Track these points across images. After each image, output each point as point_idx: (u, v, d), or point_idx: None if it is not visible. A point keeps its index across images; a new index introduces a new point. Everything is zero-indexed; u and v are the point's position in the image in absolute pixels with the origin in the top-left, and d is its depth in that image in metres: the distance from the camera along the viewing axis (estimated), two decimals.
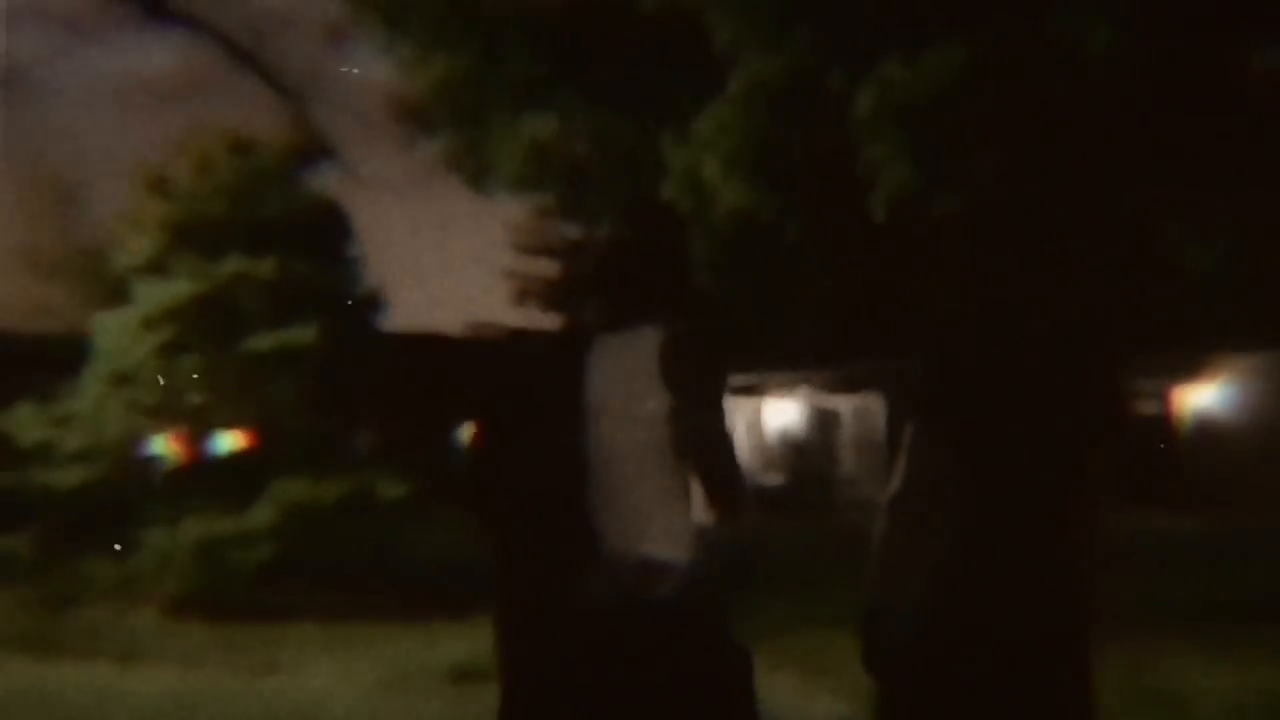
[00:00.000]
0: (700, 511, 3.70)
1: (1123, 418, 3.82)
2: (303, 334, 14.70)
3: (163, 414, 14.94)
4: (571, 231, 28.23)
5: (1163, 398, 25.93)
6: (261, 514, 13.75)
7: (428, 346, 29.94)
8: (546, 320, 35.49)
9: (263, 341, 14.66)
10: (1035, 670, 3.59)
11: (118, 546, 13.85)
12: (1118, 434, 3.76)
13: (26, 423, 14.56)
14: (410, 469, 14.79)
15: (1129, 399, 3.91)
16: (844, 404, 30.74)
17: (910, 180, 12.19)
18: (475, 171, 17.38)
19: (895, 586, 3.65)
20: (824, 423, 31.21)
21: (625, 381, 3.61)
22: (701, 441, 3.70)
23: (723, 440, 3.78)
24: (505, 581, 3.82)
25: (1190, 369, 25.27)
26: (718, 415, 3.75)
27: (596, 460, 3.59)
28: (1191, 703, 7.89)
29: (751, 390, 30.78)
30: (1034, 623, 3.59)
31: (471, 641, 10.78)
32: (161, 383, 14.72)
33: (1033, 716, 3.60)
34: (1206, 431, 25.35)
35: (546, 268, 36.37)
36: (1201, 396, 25.68)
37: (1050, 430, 3.68)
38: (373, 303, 16.62)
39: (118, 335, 15.00)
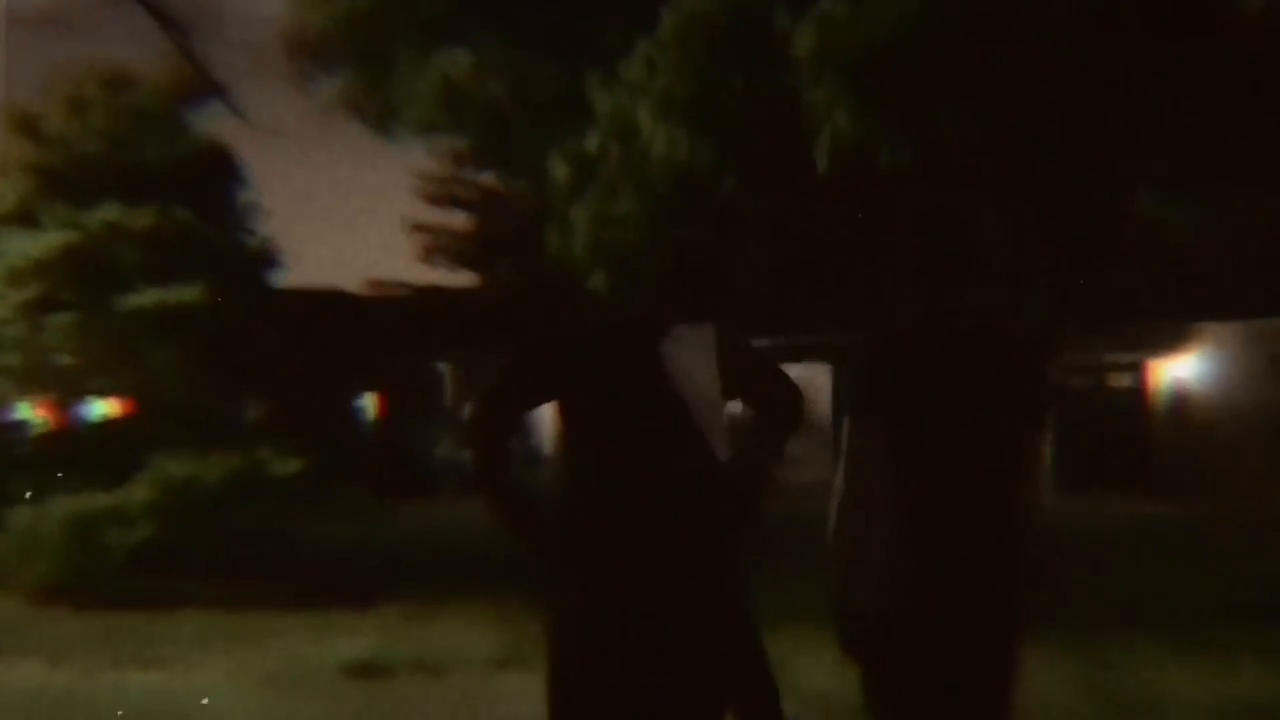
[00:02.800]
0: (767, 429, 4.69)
1: (1049, 396, 4.08)
2: (186, 292, 14.64)
3: (29, 379, 14.90)
4: (486, 181, 28.12)
5: (1137, 370, 26.15)
6: (139, 491, 13.65)
7: (327, 306, 29.87)
8: (458, 278, 35.33)
9: (141, 300, 14.60)
10: (978, 644, 3.99)
11: None
12: (1046, 414, 4.08)
13: None
14: (306, 444, 14.78)
15: (1055, 376, 4.18)
16: None
17: (853, 129, 12.29)
18: (379, 113, 17.35)
19: (854, 574, 3.98)
20: None
21: (695, 365, 4.37)
22: (754, 370, 4.66)
23: (775, 369, 4.81)
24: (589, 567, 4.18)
25: (1166, 339, 25.42)
26: (761, 363, 4.76)
27: (682, 430, 4.26)
28: (1169, 713, 7.92)
29: None
30: (978, 602, 3.95)
31: (372, 635, 10.84)
32: (28, 344, 14.64)
33: (975, 685, 4.00)
34: (1183, 407, 25.54)
35: (458, 221, 36.21)
36: (1178, 369, 25.84)
37: (991, 415, 3.99)
38: (265, 257, 16.58)
39: None
